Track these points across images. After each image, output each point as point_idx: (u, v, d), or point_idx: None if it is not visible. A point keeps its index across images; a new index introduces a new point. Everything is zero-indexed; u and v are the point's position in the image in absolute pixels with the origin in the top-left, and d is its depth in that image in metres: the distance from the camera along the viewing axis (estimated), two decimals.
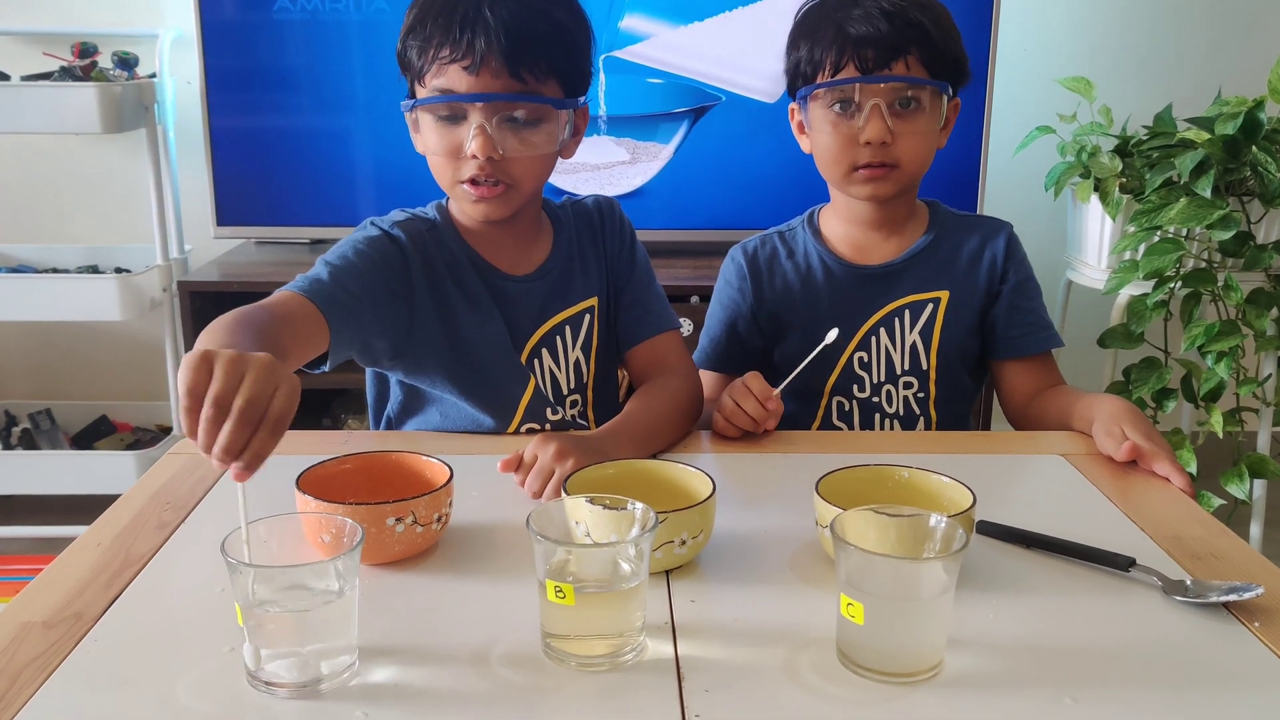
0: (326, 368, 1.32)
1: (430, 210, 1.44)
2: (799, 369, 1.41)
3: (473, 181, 1.31)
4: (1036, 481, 1.30)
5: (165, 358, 2.76)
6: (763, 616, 0.97)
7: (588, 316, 1.47)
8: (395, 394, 1.47)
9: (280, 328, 1.14)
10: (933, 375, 1.56)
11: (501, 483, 1.24)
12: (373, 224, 1.40)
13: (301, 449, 1.22)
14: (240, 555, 0.85)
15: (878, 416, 1.57)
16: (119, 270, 2.62)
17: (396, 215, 1.42)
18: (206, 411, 0.84)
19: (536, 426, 1.43)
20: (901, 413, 1.57)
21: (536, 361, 1.45)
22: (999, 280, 1.57)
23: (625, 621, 0.90)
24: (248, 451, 0.84)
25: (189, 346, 2.58)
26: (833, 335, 1.44)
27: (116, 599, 0.99)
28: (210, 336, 1.04)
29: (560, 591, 0.87)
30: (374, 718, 0.82)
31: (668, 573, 1.04)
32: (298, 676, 0.85)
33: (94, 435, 2.79)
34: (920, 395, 1.57)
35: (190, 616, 0.97)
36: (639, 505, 0.93)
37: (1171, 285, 2.42)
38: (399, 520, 1.03)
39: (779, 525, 1.15)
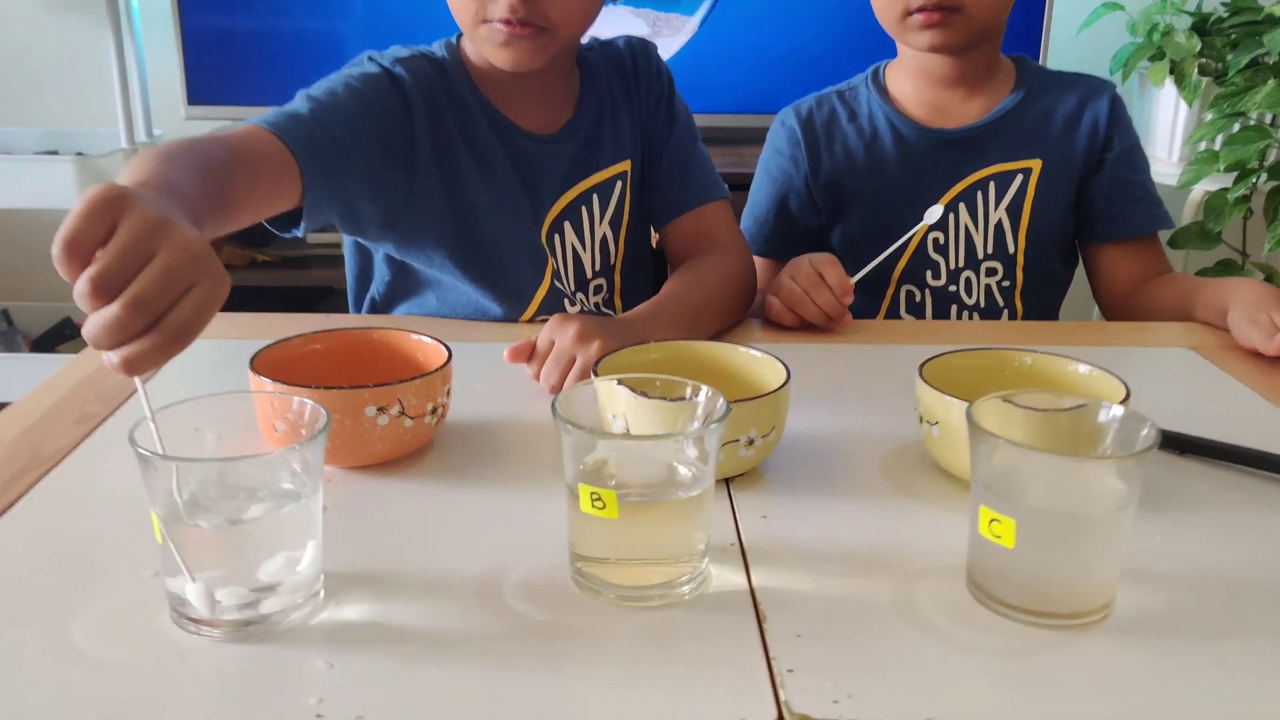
0: (300, 231, 1.07)
1: (438, 48, 1.18)
2: (882, 257, 1.17)
3: (503, 21, 1.05)
4: (1164, 379, 1.06)
5: None
6: (857, 538, 0.74)
7: (619, 184, 1.22)
8: (381, 272, 1.22)
9: (236, 170, 0.89)
10: (1020, 260, 1.32)
11: (511, 374, 1.00)
12: (370, 59, 1.13)
13: (261, 333, 0.98)
14: (152, 446, 0.61)
15: (954, 309, 1.33)
16: (80, 155, 2.35)
17: (398, 51, 1.15)
18: (82, 285, 0.58)
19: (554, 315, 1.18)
20: (982, 304, 1.33)
21: (557, 238, 1.20)
22: (1101, 147, 1.32)
23: (684, 541, 0.67)
24: (128, 352, 0.59)
25: None
26: (935, 214, 1.17)
27: (10, 509, 0.76)
28: (140, 166, 0.78)
29: (598, 500, 0.64)
30: (342, 669, 0.60)
31: (727, 482, 0.81)
32: (238, 612, 0.62)
33: (56, 339, 2.54)
34: (1005, 284, 1.33)
35: (104, 533, 0.74)
36: (704, 389, 0.70)
37: (1255, 179, 2.16)
38: (381, 410, 0.79)
39: (860, 426, 0.92)
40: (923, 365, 0.83)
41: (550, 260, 1.18)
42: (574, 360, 0.94)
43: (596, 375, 0.81)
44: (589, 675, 0.60)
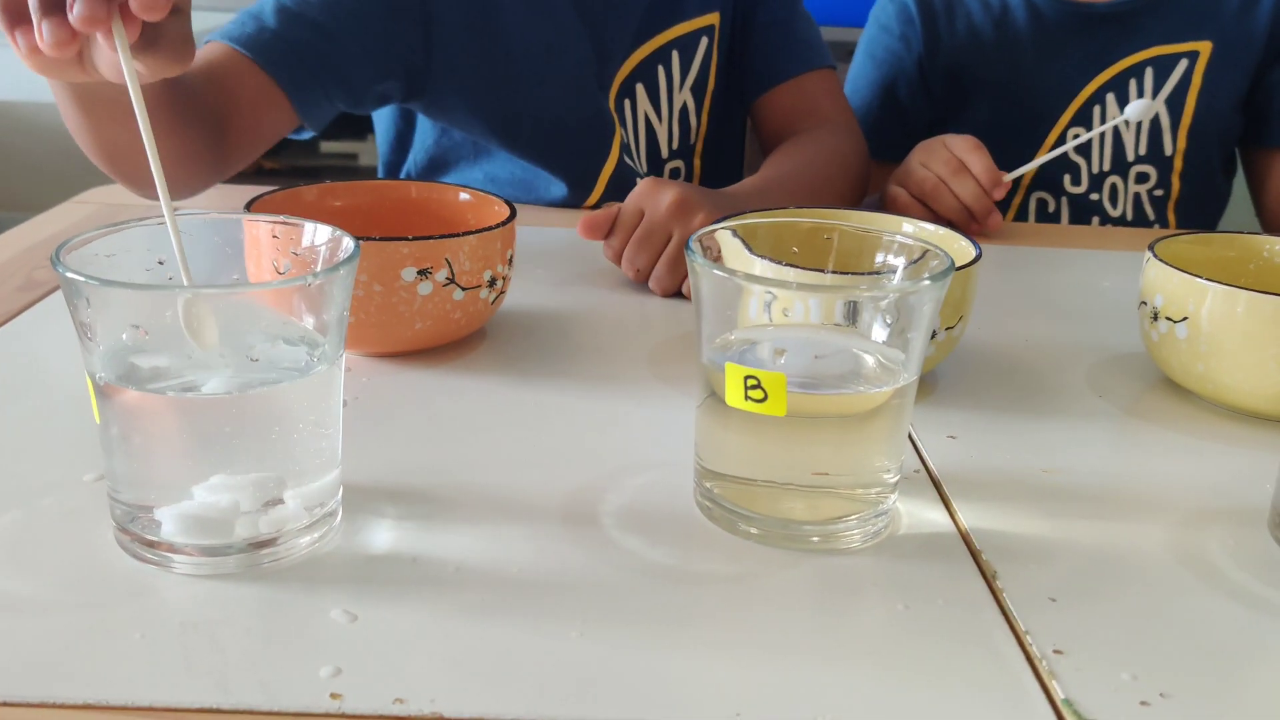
0: (310, 135, 0.86)
1: None
2: (1053, 153, 0.95)
3: None
4: None
5: None
6: (1085, 468, 0.53)
7: (704, 40, 0.99)
8: (423, 137, 0.99)
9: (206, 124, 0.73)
10: (1178, 164, 1.10)
11: (582, 258, 0.79)
12: None
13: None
14: (88, 262, 0.40)
15: (1095, 220, 1.11)
16: None
17: None
18: None
19: None
20: (1129, 216, 1.11)
21: (627, 104, 0.97)
22: None
23: (874, 460, 0.45)
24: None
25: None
26: (1139, 108, 0.93)
27: None
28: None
29: (756, 387, 0.43)
30: (368, 624, 0.39)
31: None
32: (215, 534, 0.41)
33: None
34: (1157, 193, 1.11)
35: (35, 424, 0.53)
36: (933, 243, 0.48)
37: None
38: (424, 274, 0.58)
39: (1042, 334, 0.71)
40: (1153, 245, 0.62)
41: (618, 130, 0.96)
42: (669, 238, 0.73)
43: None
44: (742, 648, 0.39)
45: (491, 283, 0.62)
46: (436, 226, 0.67)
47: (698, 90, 0.99)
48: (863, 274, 0.49)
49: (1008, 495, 0.50)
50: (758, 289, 0.44)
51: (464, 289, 0.60)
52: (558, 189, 0.96)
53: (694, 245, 0.46)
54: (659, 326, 0.70)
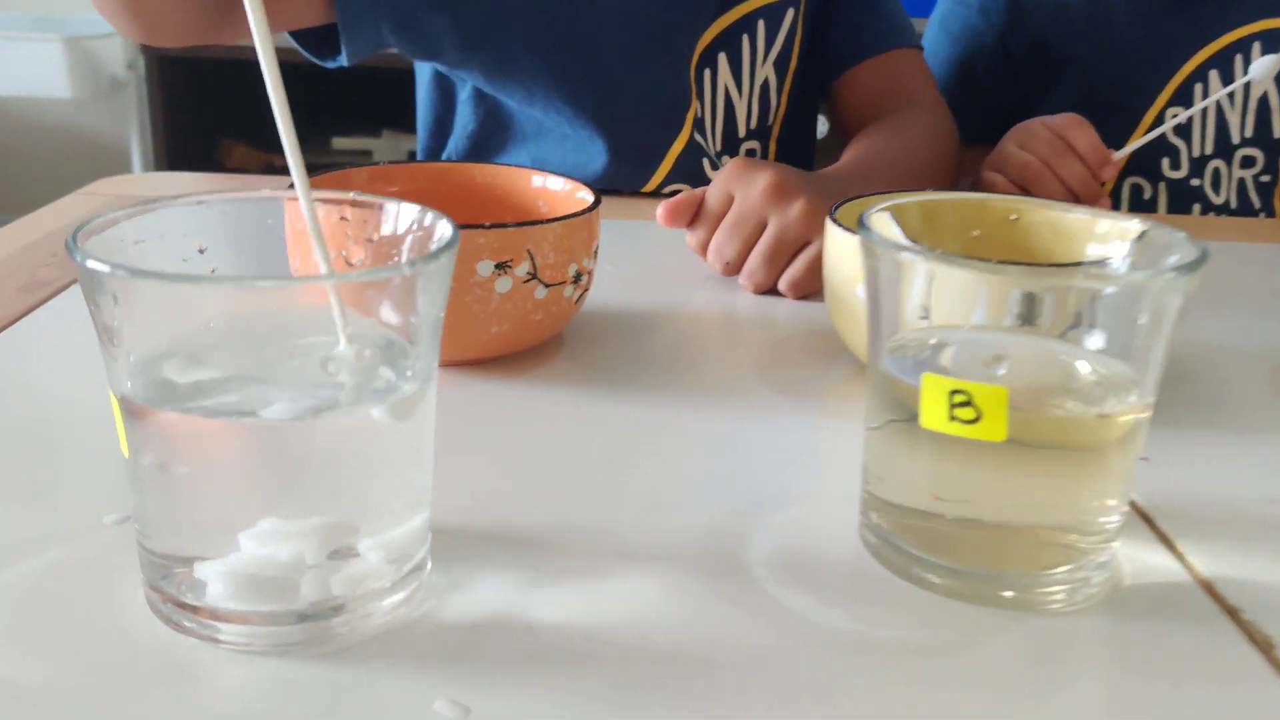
0: (344, 59, 0.77)
1: None
2: (1162, 128, 0.85)
3: None
4: None
5: (130, 154, 2.17)
6: None
7: (790, 11, 0.88)
8: (465, 120, 0.89)
9: None
10: None
11: (661, 251, 0.70)
12: None
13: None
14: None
15: (1196, 209, 1.02)
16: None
17: None
18: None
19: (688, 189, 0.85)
20: (1233, 204, 1.02)
21: (707, 74, 0.87)
22: None
23: (1107, 500, 0.36)
24: None
25: (161, 137, 2.02)
26: (1266, 65, 0.82)
27: None
28: None
29: (965, 403, 0.33)
30: (485, 717, 0.29)
31: None
32: (279, 599, 0.32)
33: None
34: (1264, 179, 1.01)
35: (42, 453, 0.43)
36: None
37: None
38: (504, 269, 0.49)
39: (1203, 336, 0.61)
40: None
41: (694, 103, 0.86)
42: (763, 226, 0.63)
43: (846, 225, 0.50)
44: None
45: (576, 278, 0.52)
46: (509, 215, 0.58)
47: (780, 65, 0.89)
48: (1084, 263, 0.40)
49: (1239, 533, 0.41)
50: (963, 281, 0.35)
51: (547, 285, 0.51)
52: (615, 168, 0.86)
53: (869, 223, 0.36)
54: (756, 328, 0.60)
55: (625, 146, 0.85)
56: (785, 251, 0.63)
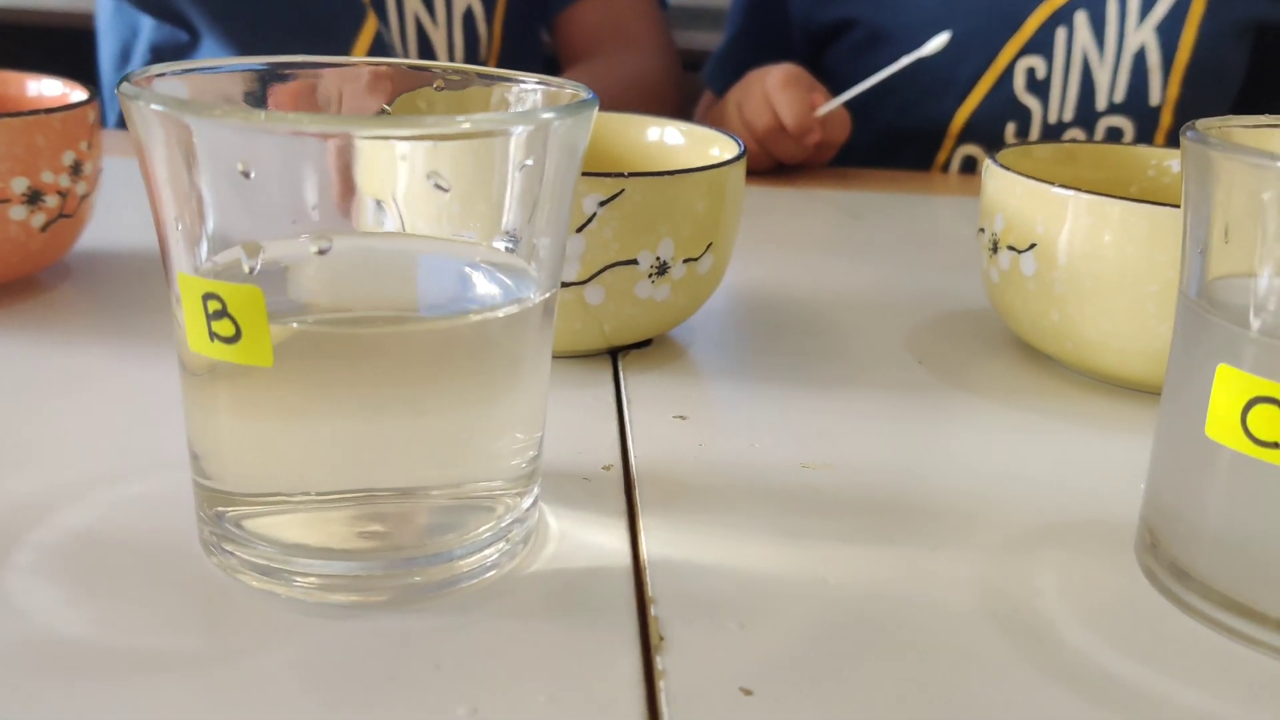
0: None
1: None
2: (860, 87, 0.73)
3: None
4: None
5: None
6: (879, 464, 0.35)
7: None
8: (143, 47, 0.79)
9: None
10: (1167, 118, 0.86)
11: None
12: None
13: None
14: None
15: None
16: None
17: None
18: None
19: None
20: None
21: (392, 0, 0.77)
22: None
23: (482, 441, 0.27)
24: None
25: None
26: (938, 43, 0.68)
27: None
28: None
29: (220, 311, 0.24)
30: None
31: (614, 356, 0.41)
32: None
33: None
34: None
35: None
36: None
37: None
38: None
39: (866, 284, 0.53)
40: (996, 153, 0.44)
41: (371, 21, 0.75)
42: None
43: None
44: None
45: (33, 197, 0.42)
46: None
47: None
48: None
49: (733, 501, 0.32)
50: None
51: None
52: None
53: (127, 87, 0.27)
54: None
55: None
56: None
